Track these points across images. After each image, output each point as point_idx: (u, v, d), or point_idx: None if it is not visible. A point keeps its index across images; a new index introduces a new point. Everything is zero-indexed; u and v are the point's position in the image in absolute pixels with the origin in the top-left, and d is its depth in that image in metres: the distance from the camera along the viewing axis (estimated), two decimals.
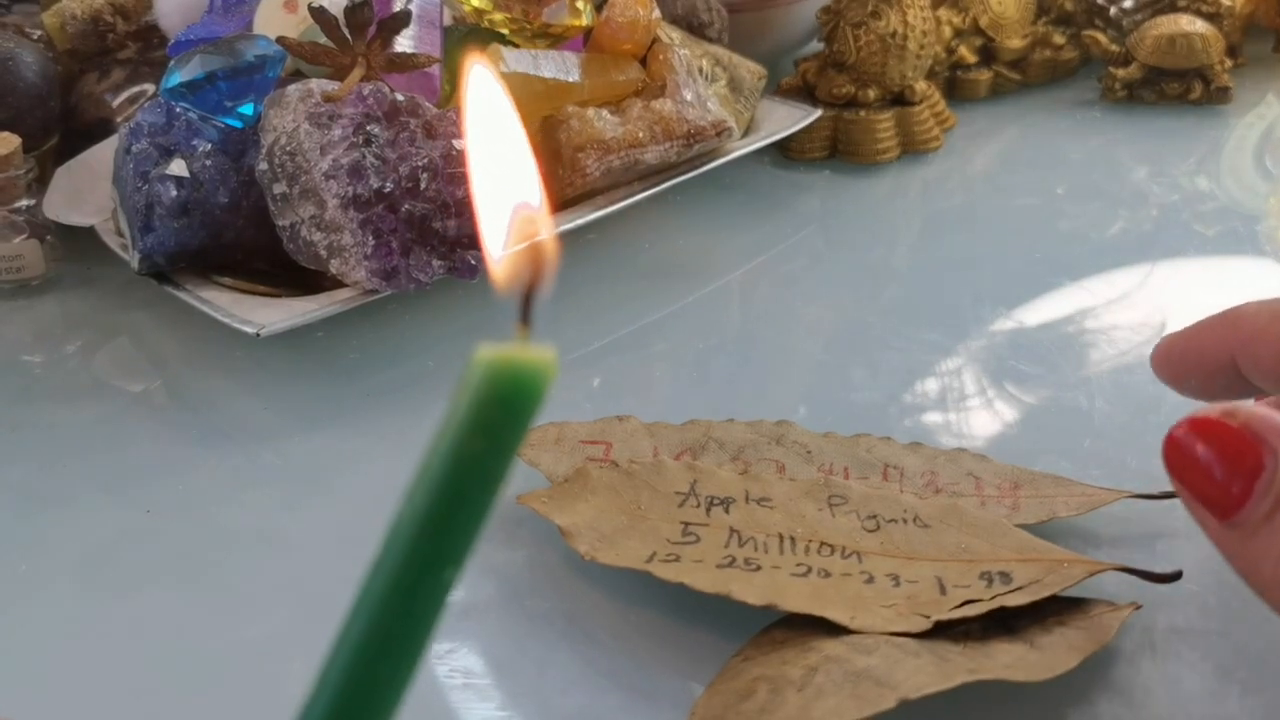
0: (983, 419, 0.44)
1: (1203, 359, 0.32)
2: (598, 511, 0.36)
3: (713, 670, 0.32)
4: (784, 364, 0.49)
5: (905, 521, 0.34)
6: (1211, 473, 0.26)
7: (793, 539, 0.34)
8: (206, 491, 0.42)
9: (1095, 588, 0.33)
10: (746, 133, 0.61)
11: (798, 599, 0.32)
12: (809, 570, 0.33)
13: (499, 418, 0.16)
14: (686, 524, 0.35)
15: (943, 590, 0.32)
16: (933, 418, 0.44)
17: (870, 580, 0.33)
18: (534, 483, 0.38)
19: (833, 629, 0.31)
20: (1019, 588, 0.32)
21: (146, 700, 0.34)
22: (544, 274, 0.17)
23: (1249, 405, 0.27)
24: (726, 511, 0.35)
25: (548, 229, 0.18)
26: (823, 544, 0.34)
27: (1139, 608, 0.33)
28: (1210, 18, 0.70)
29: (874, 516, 0.35)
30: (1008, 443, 0.42)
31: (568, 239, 0.52)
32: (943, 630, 0.31)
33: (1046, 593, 0.32)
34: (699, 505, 0.35)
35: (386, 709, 0.17)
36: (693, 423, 0.40)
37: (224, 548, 0.39)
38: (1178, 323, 0.49)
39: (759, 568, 0.33)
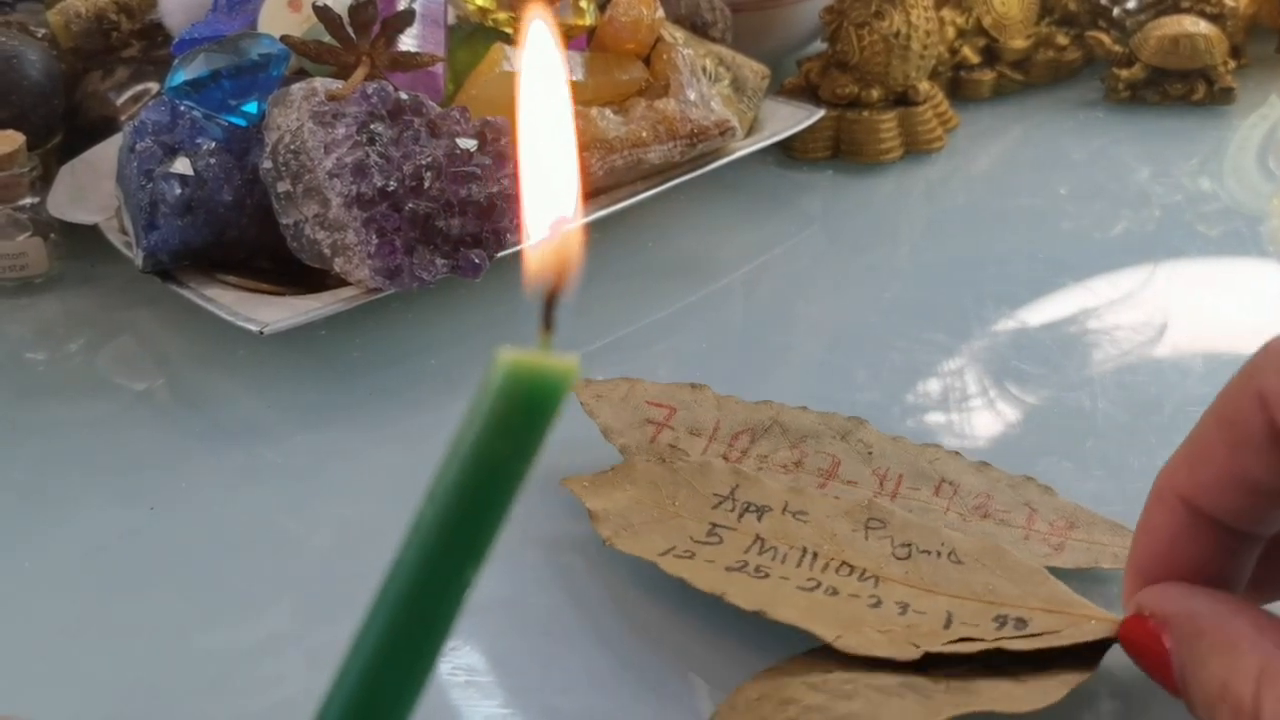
0: (985, 419, 0.44)
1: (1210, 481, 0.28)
2: (632, 502, 0.36)
3: (716, 673, 0.32)
4: (786, 363, 0.49)
5: (939, 555, 0.33)
6: (1152, 670, 0.28)
7: (815, 554, 0.34)
8: (209, 489, 0.42)
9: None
10: (750, 132, 0.61)
11: (789, 610, 0.32)
12: (817, 586, 0.33)
13: (521, 421, 0.16)
14: (714, 525, 0.35)
15: (948, 625, 0.31)
16: (935, 418, 0.44)
17: (876, 604, 0.32)
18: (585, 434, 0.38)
19: (810, 681, 0.30)
20: (1030, 635, 0.31)
21: (148, 698, 0.34)
22: (568, 280, 0.17)
23: (1156, 592, 0.29)
24: (759, 519, 0.35)
25: (578, 238, 0.18)
26: (844, 564, 0.33)
27: (1118, 639, 0.32)
28: (1214, 18, 0.70)
29: (908, 545, 0.34)
30: (1010, 443, 0.42)
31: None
32: (926, 668, 0.30)
33: (1057, 643, 0.30)
34: (733, 509, 0.35)
35: (405, 705, 0.17)
36: (765, 404, 0.40)
37: (227, 545, 0.40)
38: (1180, 323, 0.49)
39: (767, 575, 0.33)
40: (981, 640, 0.30)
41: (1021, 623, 0.31)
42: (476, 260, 0.47)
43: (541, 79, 0.19)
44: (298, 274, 0.48)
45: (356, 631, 0.17)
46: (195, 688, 0.34)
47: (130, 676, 0.34)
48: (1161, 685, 0.28)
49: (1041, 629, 0.31)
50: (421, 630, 0.17)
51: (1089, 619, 0.31)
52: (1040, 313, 0.51)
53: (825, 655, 0.31)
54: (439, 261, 0.46)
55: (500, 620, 0.35)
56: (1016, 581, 0.32)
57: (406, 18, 0.48)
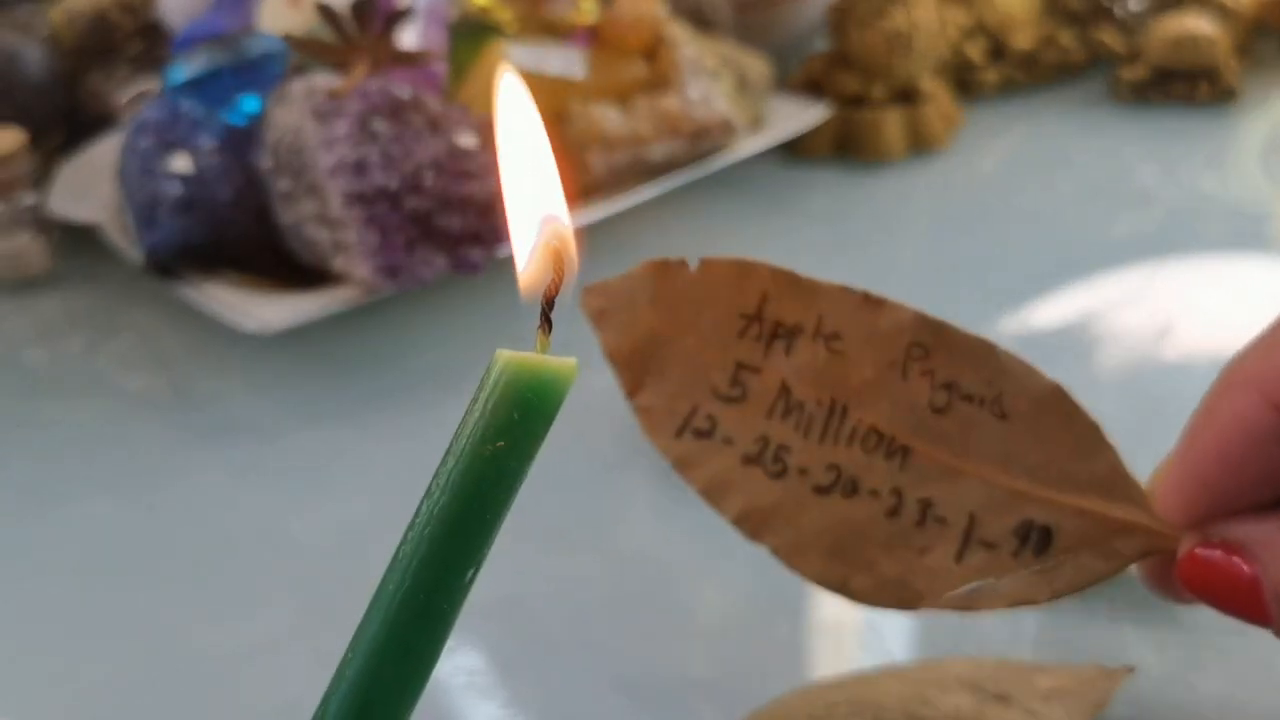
0: None
1: (1236, 436, 0.26)
2: (652, 332, 0.31)
3: (716, 675, 0.32)
4: None
5: (982, 404, 0.29)
6: (1229, 602, 0.26)
7: (844, 411, 0.30)
8: (209, 488, 0.42)
9: (1084, 645, 0.32)
10: (753, 130, 0.60)
11: (797, 534, 0.30)
12: (836, 480, 0.30)
13: (519, 422, 0.16)
14: (739, 365, 0.31)
15: (966, 541, 0.29)
16: None
17: (894, 511, 0.29)
18: None
19: (814, 714, 0.29)
20: (1047, 567, 0.29)
21: (148, 698, 0.34)
22: (566, 282, 0.17)
23: (1221, 526, 0.27)
24: (788, 351, 0.30)
25: (572, 239, 0.18)
26: (871, 429, 0.30)
27: (1132, 670, 0.31)
28: (1218, 19, 0.70)
29: (949, 386, 0.30)
30: None
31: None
32: (931, 703, 0.29)
33: (1065, 590, 0.29)
34: (760, 337, 0.31)
35: (404, 705, 0.17)
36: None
37: (226, 544, 0.39)
38: (1184, 322, 0.49)
39: (784, 470, 0.30)
40: (991, 593, 0.29)
41: (1045, 536, 0.29)
42: (477, 258, 0.46)
43: (516, 120, 0.19)
44: (298, 273, 0.48)
45: (355, 631, 0.17)
46: (195, 687, 0.34)
47: (130, 676, 0.34)
48: (1241, 616, 0.26)
49: (1067, 543, 0.29)
50: (420, 630, 0.17)
51: (1126, 528, 0.29)
52: (1044, 312, 0.50)
53: (828, 687, 0.31)
54: (439, 259, 0.46)
55: (501, 622, 0.35)
56: (1063, 450, 0.29)
57: (407, 15, 0.48)
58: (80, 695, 0.34)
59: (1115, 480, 0.29)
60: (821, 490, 0.30)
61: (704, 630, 0.34)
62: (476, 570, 0.17)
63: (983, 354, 0.30)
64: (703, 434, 0.31)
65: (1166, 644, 0.32)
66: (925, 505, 0.30)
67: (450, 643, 0.32)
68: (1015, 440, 0.29)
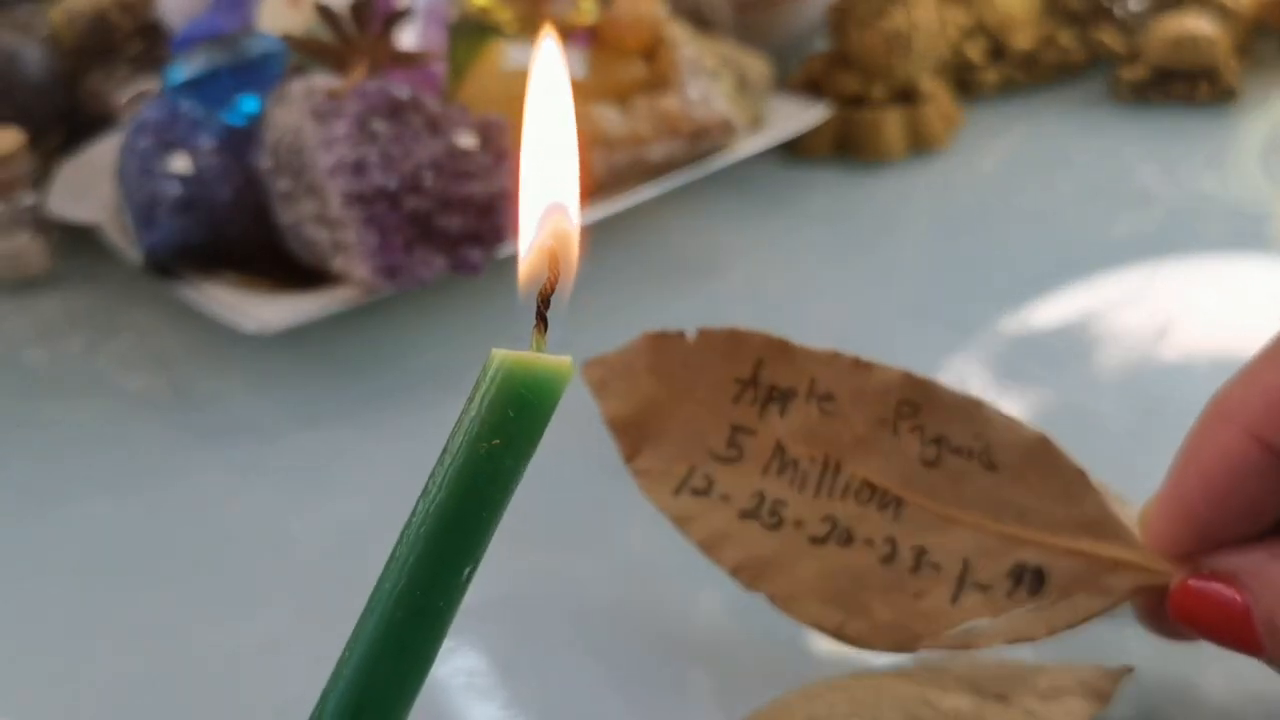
0: None
1: (1222, 479, 0.27)
2: (649, 400, 0.32)
3: (716, 677, 0.32)
4: None
5: (971, 455, 0.30)
6: (1220, 632, 0.27)
7: (838, 466, 0.31)
8: (208, 489, 0.42)
9: (1084, 645, 0.32)
10: (753, 130, 0.60)
11: (792, 586, 0.30)
12: (831, 531, 0.30)
13: (515, 420, 0.16)
14: (735, 429, 0.32)
15: (960, 584, 0.30)
16: None
17: (889, 558, 0.30)
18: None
19: (814, 713, 0.29)
20: (1040, 607, 0.29)
21: (148, 698, 0.34)
22: (564, 280, 0.17)
23: (1211, 558, 0.27)
24: (782, 413, 0.31)
25: (573, 238, 0.18)
26: (865, 483, 0.31)
27: (1131, 670, 0.31)
28: (1218, 18, 0.70)
29: (938, 441, 0.31)
30: None
31: None
32: (931, 704, 0.30)
33: (1061, 626, 0.29)
34: (755, 401, 0.32)
35: (400, 706, 0.17)
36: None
37: (226, 545, 0.39)
38: (1184, 323, 0.49)
39: (779, 522, 0.31)
40: (988, 631, 0.30)
41: (1039, 577, 0.29)
42: (476, 259, 0.46)
43: (548, 89, 0.19)
44: (297, 273, 0.48)
45: (353, 629, 0.17)
46: (195, 687, 0.34)
47: (129, 676, 0.34)
48: (1232, 646, 0.26)
49: (1061, 583, 0.29)
50: (417, 628, 0.17)
51: (1118, 566, 0.29)
52: (1044, 312, 0.50)
53: (828, 687, 0.31)
54: (439, 259, 0.46)
55: (501, 622, 0.35)
56: (1051, 496, 0.30)
57: (407, 15, 0.48)
58: (80, 695, 0.34)
59: (1103, 522, 0.30)
60: (817, 540, 0.31)
61: (704, 630, 0.34)
62: (473, 568, 0.17)
63: (969, 409, 0.31)
64: (700, 492, 0.32)
65: (1166, 644, 0.32)
66: (919, 552, 0.30)
67: (449, 643, 0.32)
68: (1005, 489, 0.30)
